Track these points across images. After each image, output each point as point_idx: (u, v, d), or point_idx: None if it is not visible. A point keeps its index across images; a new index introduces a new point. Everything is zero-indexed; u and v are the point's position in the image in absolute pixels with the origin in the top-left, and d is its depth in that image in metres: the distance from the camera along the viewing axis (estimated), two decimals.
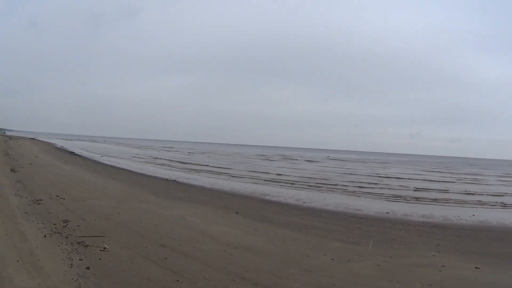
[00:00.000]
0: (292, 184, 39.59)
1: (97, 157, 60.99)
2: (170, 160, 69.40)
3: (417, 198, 33.05)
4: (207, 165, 61.08)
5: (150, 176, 37.82)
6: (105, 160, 56.94)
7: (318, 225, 19.05)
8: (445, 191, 40.37)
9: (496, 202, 32.99)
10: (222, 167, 58.68)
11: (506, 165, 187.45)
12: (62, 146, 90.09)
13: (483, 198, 35.54)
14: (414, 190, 39.74)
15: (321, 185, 39.56)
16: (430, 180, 55.96)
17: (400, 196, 33.81)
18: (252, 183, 38.62)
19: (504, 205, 31.58)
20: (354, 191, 35.83)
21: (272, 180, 42.31)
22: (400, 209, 26.18)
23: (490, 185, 53.24)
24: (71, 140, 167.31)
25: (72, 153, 66.99)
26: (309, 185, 39.08)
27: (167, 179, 35.95)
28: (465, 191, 41.77)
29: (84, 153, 69.07)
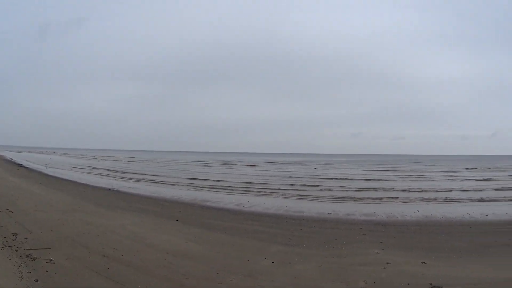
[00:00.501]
0: (232, 189, 39.84)
1: (42, 169, 61.37)
2: (110, 169, 69.60)
3: (359, 198, 33.77)
4: (147, 174, 61.15)
5: (92, 186, 37.93)
6: (50, 171, 57.03)
7: (258, 229, 19.26)
8: (388, 189, 41.45)
9: (442, 198, 34.00)
10: (162, 175, 59.04)
11: (452, 160, 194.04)
12: (11, 159, 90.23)
13: (428, 194, 36.55)
14: (356, 190, 40.42)
15: (261, 189, 39.87)
16: (373, 179, 57.18)
17: (342, 197, 34.46)
18: (192, 190, 38.85)
19: (450, 200, 32.65)
20: (295, 194, 36.18)
21: (212, 186, 42.55)
22: (342, 209, 26.62)
23: (436, 181, 54.81)
24: (19, 152, 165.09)
25: (20, 165, 67.59)
26: (249, 190, 39.30)
27: (109, 189, 36.06)
28: (409, 188, 42.95)
29: (31, 165, 69.27)
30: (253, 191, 38.12)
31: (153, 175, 58.01)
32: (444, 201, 31.94)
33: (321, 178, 57.26)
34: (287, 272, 11.85)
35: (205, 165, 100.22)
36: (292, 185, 45.59)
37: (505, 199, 33.09)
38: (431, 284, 10.54)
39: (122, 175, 57.48)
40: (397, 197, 34.03)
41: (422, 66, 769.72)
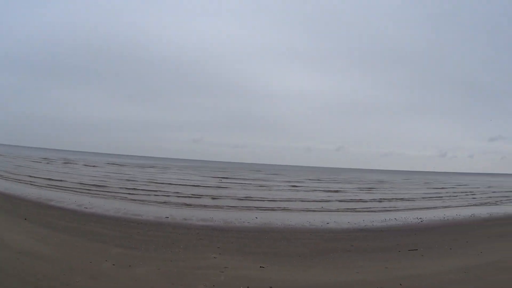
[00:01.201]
0: (74, 189, 39.31)
1: None
2: None
3: (199, 204, 34.27)
4: None
5: None
6: None
7: (99, 231, 19.40)
8: (227, 197, 42.28)
9: (282, 206, 35.72)
10: (11, 172, 57.09)
11: (295, 170, 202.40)
12: None
13: (268, 203, 38.13)
14: (195, 196, 40.80)
15: (101, 191, 39.65)
16: (212, 186, 57.73)
17: (180, 202, 34.84)
18: (37, 188, 38.25)
19: (292, 209, 34.37)
20: (134, 198, 36.00)
21: (55, 186, 41.81)
22: (180, 214, 27.36)
23: (278, 190, 56.75)
24: None
25: None
26: (90, 191, 38.94)
27: None
28: (248, 196, 44.27)
29: None
30: (93, 193, 37.81)
31: (4, 171, 56.91)
32: (284, 209, 33.62)
33: (158, 183, 57.09)
34: (128, 275, 11.94)
35: (48, 163, 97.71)
36: (130, 188, 45.24)
37: (348, 210, 35.58)
38: (271, 287, 10.89)
39: None
40: (236, 206, 34.93)
41: (270, 78, 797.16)
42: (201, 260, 14.19)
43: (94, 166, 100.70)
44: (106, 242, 16.59)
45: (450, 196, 58.83)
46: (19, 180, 44.88)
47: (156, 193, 41.32)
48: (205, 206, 33.23)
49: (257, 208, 33.74)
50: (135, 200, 34.53)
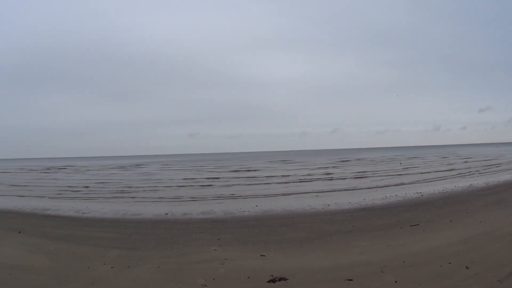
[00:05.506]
0: (71, 196, 39.05)
1: None
2: None
3: (199, 197, 34.45)
4: None
5: None
6: None
7: (97, 235, 18.88)
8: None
9: (280, 192, 35.70)
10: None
11: (302, 155, 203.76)
12: None
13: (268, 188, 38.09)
14: (202, 186, 40.50)
15: (98, 195, 39.08)
16: (212, 178, 57.47)
17: (179, 197, 34.97)
18: (30, 198, 37.71)
19: (291, 193, 34.51)
20: (131, 197, 36.06)
21: (50, 195, 40.81)
22: (179, 209, 26.98)
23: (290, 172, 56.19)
24: None
25: None
26: (87, 196, 38.57)
27: None
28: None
29: None
30: (91, 197, 37.26)
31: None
32: (283, 195, 33.69)
33: (158, 180, 56.86)
34: (126, 276, 11.63)
35: (56, 172, 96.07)
36: (127, 188, 45.35)
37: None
38: (272, 275, 10.69)
39: None
40: (232, 194, 35.54)
41: (263, 67, 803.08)
42: (201, 254, 13.86)
43: (87, 170, 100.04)
44: (104, 245, 16.13)
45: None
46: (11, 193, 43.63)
47: (156, 190, 41.32)
48: (205, 198, 33.23)
49: (255, 195, 33.86)
50: (134, 199, 34.34)
